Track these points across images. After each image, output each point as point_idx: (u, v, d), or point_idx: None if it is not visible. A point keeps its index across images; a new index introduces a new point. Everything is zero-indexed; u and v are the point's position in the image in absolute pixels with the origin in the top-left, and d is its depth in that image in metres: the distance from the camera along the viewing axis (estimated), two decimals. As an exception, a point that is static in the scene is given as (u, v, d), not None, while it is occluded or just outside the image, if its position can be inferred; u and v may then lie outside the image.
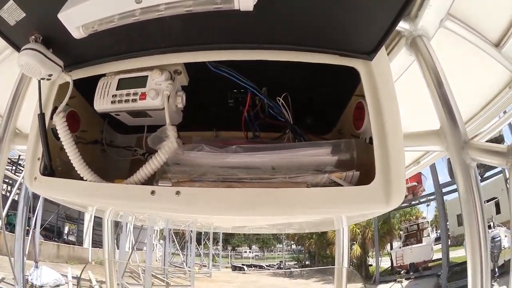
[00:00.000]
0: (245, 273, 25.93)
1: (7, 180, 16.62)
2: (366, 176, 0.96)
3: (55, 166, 1.18)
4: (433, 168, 17.84)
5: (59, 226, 21.18)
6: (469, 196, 1.32)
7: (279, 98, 1.20)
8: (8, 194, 12.71)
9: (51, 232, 19.64)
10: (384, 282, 18.97)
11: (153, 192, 0.97)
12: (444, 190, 17.81)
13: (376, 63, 1.02)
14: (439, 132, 1.38)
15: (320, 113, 1.40)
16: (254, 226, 2.02)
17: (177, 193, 0.95)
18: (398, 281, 18.35)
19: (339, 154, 1.00)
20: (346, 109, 1.34)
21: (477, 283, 1.30)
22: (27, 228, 10.87)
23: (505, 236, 14.16)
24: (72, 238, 21.98)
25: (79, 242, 20.30)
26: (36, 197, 12.87)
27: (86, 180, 1.10)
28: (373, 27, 0.94)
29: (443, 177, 18.54)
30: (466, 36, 1.67)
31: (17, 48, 1.07)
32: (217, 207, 0.94)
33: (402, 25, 1.44)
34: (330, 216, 1.06)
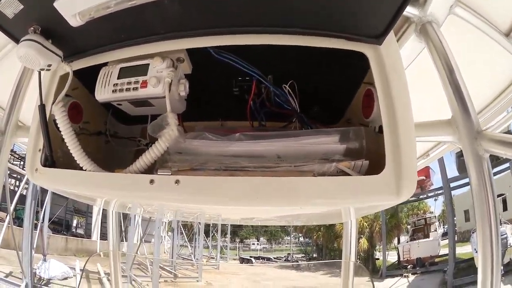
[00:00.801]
0: (252, 265, 26.10)
1: (15, 175, 16.87)
2: (375, 166, 0.92)
3: (56, 157, 1.16)
4: (441, 162, 17.76)
5: (67, 219, 21.53)
6: (481, 188, 1.28)
7: (285, 86, 1.16)
8: (16, 189, 12.86)
9: (60, 226, 19.95)
10: (391, 277, 18.96)
11: (152, 181, 0.94)
12: (452, 185, 17.70)
13: (385, 48, 0.97)
14: (451, 121, 1.34)
15: (328, 102, 1.36)
16: (262, 218, 1.99)
17: (177, 182, 0.92)
18: (405, 276, 18.33)
19: (348, 142, 0.96)
20: (355, 97, 1.30)
21: (487, 275, 1.28)
22: (36, 222, 11.04)
23: None
24: (80, 231, 22.36)
25: (88, 235, 20.61)
26: (44, 191, 13.04)
27: (85, 170, 1.08)
28: (382, 9, 0.89)
29: (451, 172, 18.47)
30: (476, 23, 1.62)
31: (17, 41, 1.05)
32: (218, 196, 0.91)
33: (411, 11, 1.40)
34: (337, 207, 1.01)
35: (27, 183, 11.09)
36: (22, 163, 18.34)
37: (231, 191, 0.90)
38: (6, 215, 10.13)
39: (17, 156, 19.36)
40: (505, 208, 16.89)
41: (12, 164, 16.80)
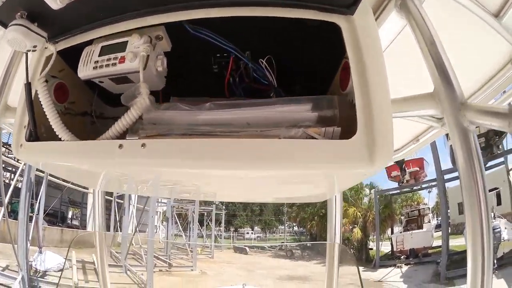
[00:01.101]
0: (247, 253, 26.26)
1: (10, 168, 16.81)
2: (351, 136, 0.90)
3: (40, 133, 1.20)
4: (435, 154, 17.89)
5: (62, 211, 21.55)
6: (468, 163, 1.21)
7: (262, 60, 1.17)
8: (11, 182, 12.83)
9: (55, 217, 19.94)
10: (384, 267, 19.17)
11: (120, 146, 0.97)
12: (446, 177, 17.82)
13: (358, 17, 0.96)
14: (433, 94, 1.30)
15: (310, 80, 1.37)
16: (256, 196, 1.96)
17: (143, 145, 0.94)
18: (398, 266, 18.53)
19: (320, 110, 0.96)
20: (336, 74, 1.30)
21: (478, 259, 1.20)
22: (31, 214, 11.03)
23: (505, 228, 14.24)
24: (76, 222, 22.40)
25: (83, 226, 20.62)
26: (39, 183, 13.06)
27: (63, 141, 1.12)
28: None
29: (446, 165, 18.61)
30: (463, 2, 1.60)
31: (5, 26, 1.13)
32: (182, 158, 0.92)
33: (390, -15, 1.37)
34: (304, 172, 0.97)
35: (21, 175, 11.11)
36: (17, 155, 18.25)
37: (194, 152, 0.91)
38: (2, 207, 10.12)
39: (11, 149, 19.28)
40: (499, 203, 17.04)
41: (7, 157, 16.79)
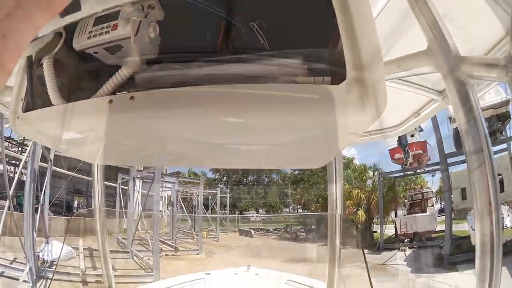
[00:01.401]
0: (252, 236, 26.52)
1: (14, 162, 16.93)
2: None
3: (37, 106, 1.23)
4: (439, 137, 17.78)
5: (68, 200, 21.71)
6: (469, 119, 1.18)
7: (253, 23, 1.17)
8: (15, 176, 12.91)
9: (60, 207, 20.10)
10: (388, 250, 19.27)
11: (110, 101, 0.99)
12: (449, 161, 17.69)
13: None
14: (427, 51, 1.28)
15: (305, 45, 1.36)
16: (251, 160, 1.93)
17: (131, 98, 0.96)
18: (401, 250, 18.60)
19: (310, 63, 0.95)
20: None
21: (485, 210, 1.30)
22: (36, 206, 11.09)
23: (508, 215, 14.17)
24: (82, 211, 22.48)
25: (90, 215, 20.71)
26: (43, 174, 13.14)
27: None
28: None
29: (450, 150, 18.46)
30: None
31: None
32: (169, 107, 0.94)
33: None
34: (291, 119, 0.95)
35: (24, 167, 11.15)
36: (20, 149, 18.43)
37: (182, 101, 0.92)
38: (7, 200, 10.20)
39: (14, 143, 19.44)
40: (502, 190, 16.91)
41: (11, 151, 16.89)
